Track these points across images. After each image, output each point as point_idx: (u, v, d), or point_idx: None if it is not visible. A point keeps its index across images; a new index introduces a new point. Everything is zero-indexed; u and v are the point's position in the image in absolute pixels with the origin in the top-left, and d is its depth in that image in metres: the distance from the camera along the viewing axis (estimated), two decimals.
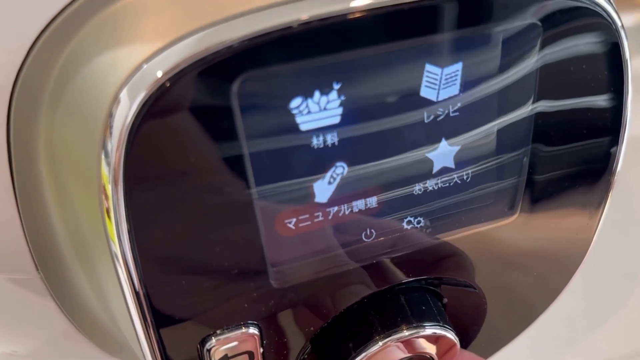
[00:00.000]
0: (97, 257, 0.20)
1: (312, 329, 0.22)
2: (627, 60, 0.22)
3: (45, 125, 0.19)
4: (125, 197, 0.17)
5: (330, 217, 0.20)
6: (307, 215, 0.20)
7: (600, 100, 0.22)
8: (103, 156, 0.17)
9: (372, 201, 0.21)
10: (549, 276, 0.26)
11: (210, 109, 0.17)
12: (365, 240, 0.21)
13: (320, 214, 0.20)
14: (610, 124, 0.23)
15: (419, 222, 0.22)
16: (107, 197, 0.17)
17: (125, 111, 0.16)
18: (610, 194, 0.25)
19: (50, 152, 0.20)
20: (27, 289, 0.23)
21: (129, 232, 0.17)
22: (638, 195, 0.43)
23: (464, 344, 0.25)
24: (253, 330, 0.21)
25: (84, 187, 0.18)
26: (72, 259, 0.22)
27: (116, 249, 0.18)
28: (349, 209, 0.21)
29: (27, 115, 0.19)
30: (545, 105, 0.21)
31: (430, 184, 0.21)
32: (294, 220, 0.20)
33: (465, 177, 0.22)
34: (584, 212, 0.24)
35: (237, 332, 0.20)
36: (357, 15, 0.17)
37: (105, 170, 0.17)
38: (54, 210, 0.21)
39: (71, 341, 0.25)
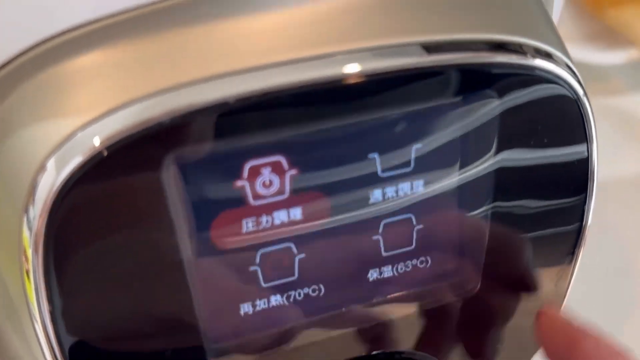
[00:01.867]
0: (24, 320, 0.19)
1: None
2: (592, 136, 0.20)
3: None
4: (45, 263, 0.16)
5: (276, 301, 0.19)
6: (252, 297, 0.19)
7: (566, 162, 0.21)
8: (25, 221, 0.16)
9: (321, 288, 0.20)
10: (519, 343, 0.24)
11: (142, 181, 0.17)
12: (316, 316, 0.20)
13: (264, 298, 0.19)
14: (576, 184, 0.22)
15: (373, 299, 0.21)
16: (27, 260, 0.17)
17: (52, 178, 0.16)
18: (581, 252, 0.24)
19: None
20: None
21: (49, 297, 0.17)
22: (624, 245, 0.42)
23: None
24: None
25: (6, 251, 0.18)
26: (2, 318, 0.21)
27: (35, 312, 0.17)
28: (296, 296, 0.20)
29: None
30: (508, 159, 0.20)
31: (386, 269, 0.20)
32: (234, 301, 0.19)
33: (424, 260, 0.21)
34: (550, 277, 0.23)
35: None
36: (301, 89, 0.16)
37: (26, 235, 0.16)
38: None
39: None
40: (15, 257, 0.17)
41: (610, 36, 0.49)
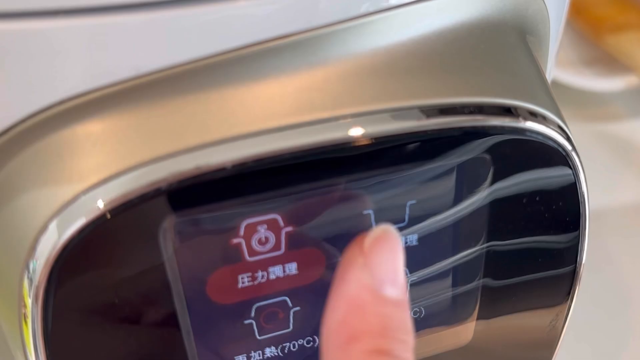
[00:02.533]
0: None
1: None
2: (583, 189, 0.21)
3: None
4: (44, 313, 0.17)
5: (271, 353, 0.20)
6: (247, 349, 0.19)
7: (558, 210, 0.21)
8: (25, 272, 0.17)
9: (315, 339, 0.20)
10: None
11: (142, 243, 0.17)
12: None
13: (259, 350, 0.20)
14: (569, 232, 0.22)
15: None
16: (25, 307, 0.17)
17: (54, 239, 0.16)
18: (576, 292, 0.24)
19: None
20: None
21: (46, 346, 0.17)
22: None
23: None
24: None
25: (6, 298, 0.18)
26: None
27: (31, 357, 0.17)
28: (291, 347, 0.20)
29: None
30: (500, 212, 0.21)
31: None
32: (229, 353, 0.19)
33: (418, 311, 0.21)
34: (547, 317, 0.24)
35: None
36: (295, 153, 0.17)
37: (26, 284, 0.17)
38: None
39: None
40: (13, 307, 0.17)
41: (609, 62, 0.49)
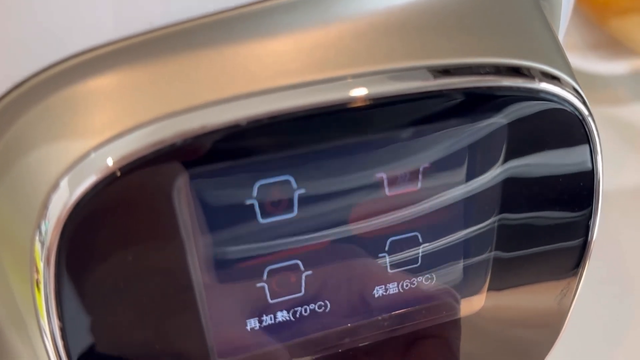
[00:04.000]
0: (32, 332, 0.19)
1: None
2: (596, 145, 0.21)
3: None
4: (56, 276, 0.17)
5: (282, 317, 0.20)
6: (258, 312, 0.19)
7: (572, 177, 0.21)
8: (37, 234, 0.17)
9: (327, 304, 0.20)
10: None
11: (155, 201, 0.17)
12: (322, 332, 0.20)
13: (270, 314, 0.19)
14: (582, 201, 0.22)
15: (379, 315, 0.21)
16: (38, 272, 0.17)
17: (65, 197, 0.16)
18: (586, 266, 0.24)
19: None
20: None
21: (59, 309, 0.17)
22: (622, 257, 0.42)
23: None
24: None
25: (17, 263, 0.18)
26: (10, 331, 0.21)
27: (45, 324, 0.17)
28: (303, 311, 0.20)
29: None
30: (514, 178, 0.20)
31: (392, 286, 0.21)
32: (244, 315, 0.19)
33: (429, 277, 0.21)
34: (555, 291, 0.24)
35: None
36: (310, 111, 0.17)
37: (37, 248, 0.17)
38: None
39: None
40: (25, 271, 0.17)
41: (614, 46, 0.49)
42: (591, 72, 0.48)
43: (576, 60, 0.48)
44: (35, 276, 0.17)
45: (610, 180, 0.46)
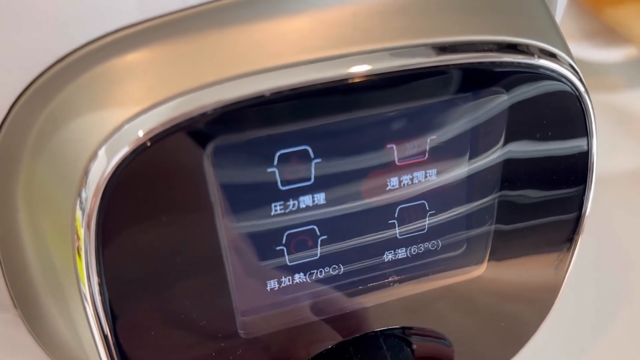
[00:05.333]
0: (69, 297, 0.20)
1: None
2: (592, 126, 0.22)
3: (26, 172, 0.20)
4: (96, 242, 0.18)
5: (299, 278, 0.21)
6: (278, 274, 0.21)
7: (568, 156, 0.23)
8: (78, 203, 0.18)
9: (340, 267, 0.21)
10: (517, 325, 0.26)
11: (184, 169, 0.18)
12: (335, 292, 0.22)
13: (290, 274, 0.21)
14: (577, 176, 0.23)
15: (388, 277, 0.22)
16: (79, 239, 0.18)
17: (103, 166, 0.17)
18: (579, 240, 0.25)
19: (28, 197, 0.20)
20: (7, 325, 0.24)
21: (99, 275, 0.18)
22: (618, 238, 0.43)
23: None
24: None
25: (58, 230, 0.19)
26: (47, 298, 0.22)
27: (85, 290, 0.18)
28: (317, 274, 0.21)
29: (9, 165, 0.20)
30: (514, 151, 0.22)
31: (400, 251, 0.22)
32: (265, 276, 0.21)
33: (435, 244, 0.23)
34: (550, 262, 0.25)
35: None
36: (328, 84, 0.18)
37: (79, 215, 0.18)
38: (30, 251, 0.21)
39: None
40: (66, 238, 0.18)
41: (609, 34, 0.50)
42: (587, 60, 0.50)
43: (572, 48, 0.49)
44: (76, 243, 0.18)
45: (605, 164, 0.47)
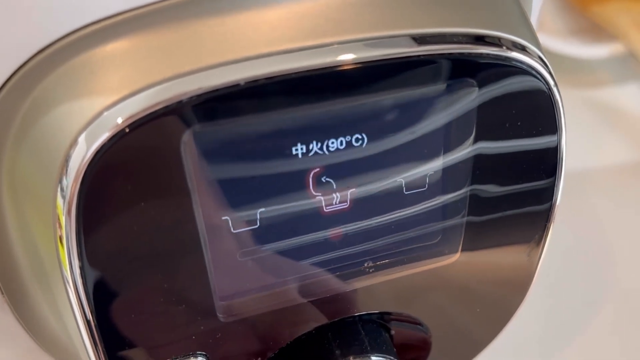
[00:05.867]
0: (53, 283, 0.21)
1: (259, 359, 0.23)
2: (561, 115, 0.23)
3: (8, 160, 0.21)
4: (77, 228, 0.18)
5: (277, 262, 0.22)
6: (255, 258, 0.21)
7: (537, 147, 0.23)
8: (59, 191, 0.18)
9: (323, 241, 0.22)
10: (492, 311, 0.27)
11: (162, 155, 0.19)
12: (313, 278, 0.23)
13: (267, 259, 0.21)
14: (547, 167, 0.24)
15: (364, 264, 0.23)
16: (60, 227, 0.19)
17: (83, 153, 0.18)
18: (550, 229, 0.26)
19: (12, 185, 0.21)
20: None
21: (80, 260, 0.19)
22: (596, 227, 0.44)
23: None
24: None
25: (41, 217, 0.20)
26: (32, 283, 0.23)
27: (68, 275, 0.19)
28: (299, 251, 0.22)
29: None
30: (485, 145, 0.22)
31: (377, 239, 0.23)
32: (243, 259, 0.21)
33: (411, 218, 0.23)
34: (523, 250, 0.26)
35: None
36: (301, 74, 0.19)
37: (60, 203, 0.18)
38: (15, 237, 0.22)
39: (35, 358, 0.26)
40: (48, 225, 0.19)
41: (595, 31, 0.51)
42: (573, 56, 0.50)
43: (559, 44, 0.50)
44: (59, 231, 0.19)
45: (591, 158, 0.48)
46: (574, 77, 0.52)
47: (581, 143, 0.48)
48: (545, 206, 0.24)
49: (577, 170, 0.47)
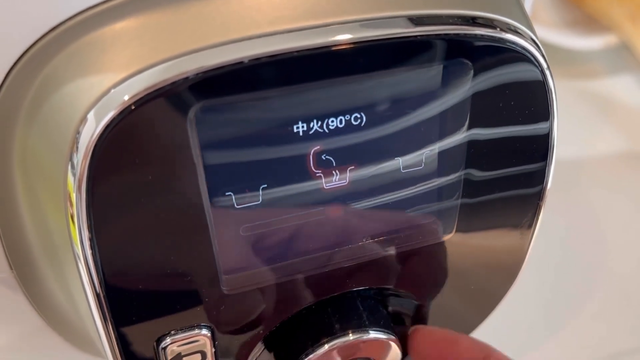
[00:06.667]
0: (63, 259, 0.22)
1: (262, 331, 0.24)
2: (553, 98, 0.23)
3: (20, 138, 0.21)
4: (87, 204, 0.19)
5: (280, 232, 0.22)
6: (259, 232, 0.22)
7: (529, 129, 0.24)
8: (69, 168, 0.19)
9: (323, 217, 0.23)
10: (484, 291, 0.28)
11: (168, 131, 0.19)
12: (314, 252, 0.23)
13: (270, 233, 0.22)
14: (539, 151, 0.25)
15: (363, 239, 0.24)
16: (71, 204, 0.19)
17: (92, 129, 0.19)
18: (541, 212, 0.27)
19: (23, 162, 0.22)
20: (3, 286, 0.25)
21: (90, 236, 0.19)
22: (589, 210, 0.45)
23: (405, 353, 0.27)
24: (205, 331, 0.23)
25: (52, 194, 0.20)
26: (42, 259, 0.24)
27: (79, 251, 0.20)
28: (300, 226, 0.23)
29: (5, 131, 0.21)
30: (477, 133, 0.23)
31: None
32: (247, 232, 0.22)
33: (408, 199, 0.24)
34: (515, 231, 0.26)
35: (190, 333, 0.22)
36: (301, 53, 0.19)
37: (70, 180, 0.19)
38: (26, 214, 0.23)
39: (43, 336, 0.27)
40: (59, 201, 0.19)
41: (589, 23, 0.52)
42: (568, 48, 0.51)
43: (554, 36, 0.51)
44: (69, 207, 0.19)
45: (585, 148, 0.49)
46: (568, 68, 0.53)
47: (575, 133, 0.49)
48: (536, 189, 0.25)
49: (570, 160, 0.48)
